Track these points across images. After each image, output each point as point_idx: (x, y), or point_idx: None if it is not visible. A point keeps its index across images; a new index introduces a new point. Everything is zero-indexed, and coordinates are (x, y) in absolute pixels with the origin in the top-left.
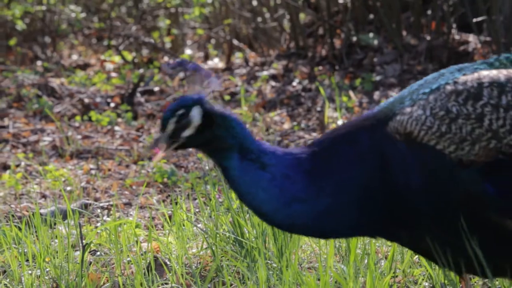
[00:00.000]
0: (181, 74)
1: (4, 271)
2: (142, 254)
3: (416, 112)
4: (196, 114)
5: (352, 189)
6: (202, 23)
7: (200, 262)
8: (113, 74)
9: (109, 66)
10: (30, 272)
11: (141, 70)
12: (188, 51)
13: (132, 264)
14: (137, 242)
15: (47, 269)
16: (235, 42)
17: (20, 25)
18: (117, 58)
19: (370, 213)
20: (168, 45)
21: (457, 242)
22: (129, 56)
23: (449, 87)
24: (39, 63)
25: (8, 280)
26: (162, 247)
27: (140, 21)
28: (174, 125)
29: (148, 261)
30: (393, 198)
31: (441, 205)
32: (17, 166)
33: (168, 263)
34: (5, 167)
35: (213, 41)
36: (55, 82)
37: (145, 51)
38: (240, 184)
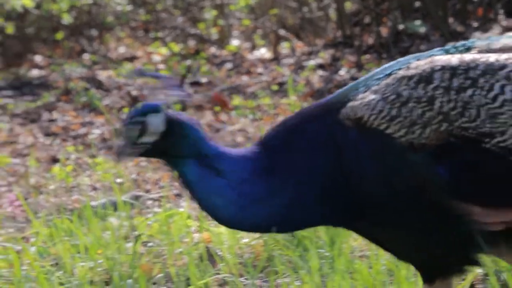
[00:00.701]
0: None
1: (57, 263)
2: (193, 245)
3: (368, 97)
4: (158, 121)
5: (310, 181)
6: (248, 13)
7: (252, 252)
8: (160, 66)
9: (156, 58)
10: (82, 264)
11: (188, 62)
12: (234, 42)
13: (183, 254)
14: (188, 233)
15: (100, 261)
16: (282, 32)
17: (67, 19)
18: (164, 50)
19: (331, 204)
20: (214, 36)
21: (409, 230)
22: (176, 48)
23: (401, 72)
24: (86, 56)
25: (61, 272)
26: (213, 238)
27: (186, 13)
28: (136, 132)
29: (199, 251)
30: (348, 187)
31: (393, 191)
32: (67, 159)
33: (219, 253)
34: (55, 160)
35: (259, 31)
36: (102, 75)
37: (191, 43)
38: (197, 191)
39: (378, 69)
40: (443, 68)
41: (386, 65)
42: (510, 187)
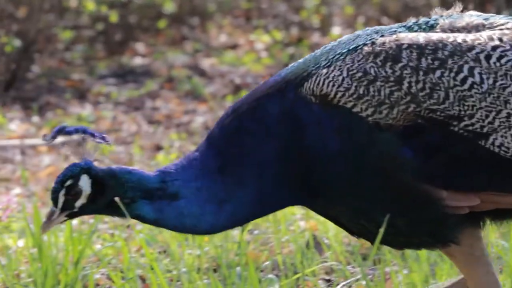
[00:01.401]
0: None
1: (164, 251)
2: (300, 233)
3: (333, 72)
4: (84, 184)
5: (271, 168)
6: (350, 1)
7: (358, 240)
8: (263, 54)
9: (258, 45)
10: (190, 251)
11: (291, 49)
12: (336, 30)
13: (290, 242)
14: (294, 220)
15: (206, 249)
16: (384, 19)
17: (169, 7)
18: (266, 38)
19: (290, 185)
20: (316, 24)
21: (372, 209)
22: (278, 36)
23: (366, 48)
24: (188, 44)
25: (168, 259)
26: (319, 226)
27: (288, 1)
28: (64, 197)
29: (306, 239)
30: (310, 166)
31: (358, 170)
32: (171, 146)
33: (326, 241)
34: (159, 148)
35: (361, 19)
36: (205, 63)
37: (294, 31)
38: (165, 224)
39: (335, 43)
40: (410, 46)
41: (343, 38)
42: (476, 171)
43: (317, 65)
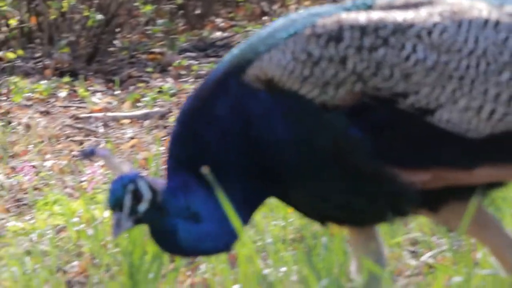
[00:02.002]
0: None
1: None
2: None
3: (276, 56)
4: (144, 189)
5: (239, 169)
6: None
7: None
8: None
9: None
10: (274, 222)
11: None
12: None
13: None
14: None
15: (291, 219)
16: None
17: None
18: None
19: (262, 180)
20: None
21: (328, 192)
22: None
23: (308, 30)
24: (266, 18)
25: (254, 230)
26: None
27: None
28: (130, 201)
29: None
30: (265, 156)
31: (310, 154)
32: None
33: None
34: None
35: None
36: None
37: None
38: (190, 245)
39: (269, 29)
40: (352, 26)
41: (278, 23)
42: (425, 148)
43: (256, 52)
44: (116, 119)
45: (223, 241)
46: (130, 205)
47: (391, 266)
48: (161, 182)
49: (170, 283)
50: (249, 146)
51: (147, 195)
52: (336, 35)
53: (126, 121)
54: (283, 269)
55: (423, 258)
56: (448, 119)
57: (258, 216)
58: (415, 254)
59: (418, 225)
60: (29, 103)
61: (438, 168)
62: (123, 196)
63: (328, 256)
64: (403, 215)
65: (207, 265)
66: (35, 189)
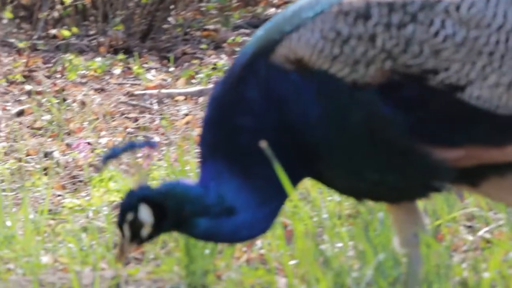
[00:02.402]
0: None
1: (304, 198)
2: None
3: (305, 36)
4: (145, 215)
5: (276, 153)
6: None
7: None
8: None
9: None
10: (330, 198)
11: None
12: None
13: None
14: None
15: None
16: None
17: None
18: None
19: (299, 162)
20: None
21: (363, 169)
22: None
23: (335, 8)
24: None
25: (309, 206)
26: None
27: None
28: (129, 230)
29: None
30: (300, 137)
31: (343, 133)
32: None
33: None
34: None
35: None
36: None
37: None
38: (219, 238)
39: (295, 7)
40: (380, 4)
41: (304, 2)
42: (456, 125)
43: (283, 32)
44: (170, 96)
45: (258, 228)
46: (130, 233)
47: (448, 241)
48: (188, 181)
49: (226, 259)
50: (281, 127)
51: (148, 221)
52: (364, 13)
53: (181, 97)
54: (339, 244)
55: (479, 233)
56: (478, 95)
57: (314, 192)
58: (472, 229)
59: (475, 200)
60: (84, 80)
61: (469, 145)
62: (122, 226)
63: (385, 231)
64: (437, 192)
65: (263, 241)
66: (91, 166)
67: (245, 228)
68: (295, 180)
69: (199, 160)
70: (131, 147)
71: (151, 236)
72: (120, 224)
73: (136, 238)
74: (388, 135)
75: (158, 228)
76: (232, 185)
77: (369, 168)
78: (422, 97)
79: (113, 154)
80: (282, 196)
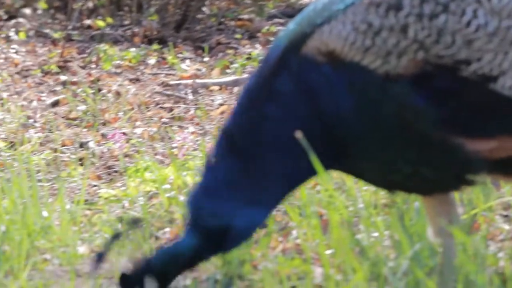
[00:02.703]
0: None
1: (339, 187)
2: None
3: (336, 28)
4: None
5: (297, 148)
6: None
7: None
8: None
9: None
10: (365, 188)
11: None
12: None
13: None
14: None
15: None
16: None
17: None
18: None
19: (325, 156)
20: None
21: (396, 160)
22: None
23: (366, 0)
24: None
25: (345, 195)
26: None
27: None
28: None
29: None
30: (331, 130)
31: (375, 125)
32: None
33: None
34: None
35: None
36: None
37: None
38: (233, 247)
39: (326, 1)
40: None
41: None
42: (489, 116)
43: (314, 25)
44: (205, 86)
45: (255, 225)
46: None
47: (484, 230)
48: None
49: (262, 249)
50: (311, 120)
51: None
52: (395, 4)
53: (215, 87)
54: (375, 234)
55: None
56: (511, 85)
57: (350, 181)
58: (508, 218)
59: (511, 189)
60: (119, 70)
61: (502, 136)
62: None
63: (420, 220)
64: (470, 184)
65: (299, 231)
66: (126, 156)
67: (243, 234)
68: (312, 173)
69: (213, 149)
70: (114, 238)
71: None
72: None
73: None
74: (420, 126)
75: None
76: (228, 196)
77: (402, 160)
78: (454, 88)
79: (101, 255)
80: (283, 188)
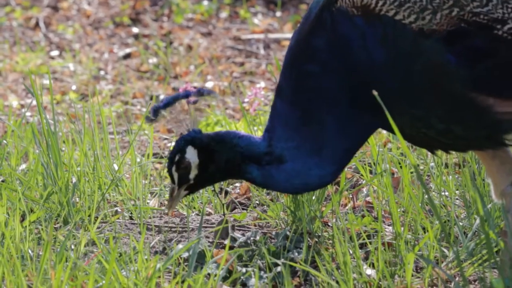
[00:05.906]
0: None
1: (411, 145)
2: None
3: None
4: (191, 155)
5: (340, 99)
6: None
7: None
8: None
9: None
10: None
11: None
12: None
13: None
14: None
15: None
16: None
17: None
18: None
19: (365, 109)
20: None
21: (428, 116)
22: None
23: None
24: None
25: (416, 153)
26: None
27: None
28: (176, 173)
29: None
30: (364, 82)
31: (406, 79)
32: None
33: None
34: None
35: None
36: None
37: None
38: (275, 187)
39: None
40: None
41: None
42: None
43: None
44: (277, 41)
45: (313, 175)
46: (178, 175)
47: None
48: (242, 132)
49: (332, 206)
50: (348, 73)
51: (193, 161)
52: None
53: (287, 43)
54: (446, 193)
55: None
56: None
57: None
58: None
59: None
60: (190, 24)
61: None
62: (171, 169)
63: None
64: (502, 144)
65: (369, 189)
66: (196, 110)
67: (297, 177)
68: (365, 128)
69: (272, 105)
70: (182, 96)
71: (198, 182)
72: (169, 169)
73: (185, 182)
74: (450, 84)
75: (205, 171)
76: (283, 135)
77: (434, 117)
78: (488, 47)
79: (163, 105)
80: (340, 142)
